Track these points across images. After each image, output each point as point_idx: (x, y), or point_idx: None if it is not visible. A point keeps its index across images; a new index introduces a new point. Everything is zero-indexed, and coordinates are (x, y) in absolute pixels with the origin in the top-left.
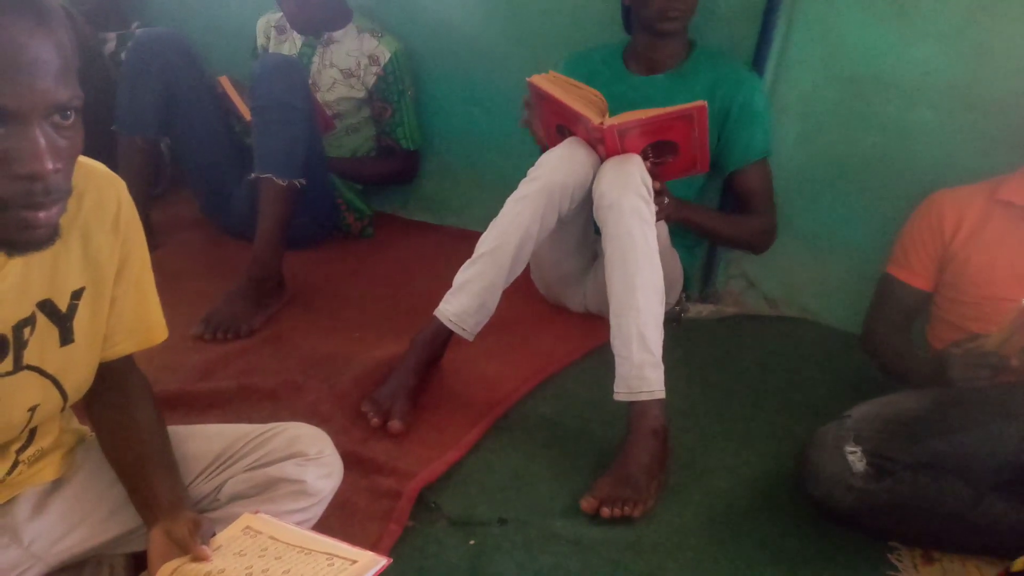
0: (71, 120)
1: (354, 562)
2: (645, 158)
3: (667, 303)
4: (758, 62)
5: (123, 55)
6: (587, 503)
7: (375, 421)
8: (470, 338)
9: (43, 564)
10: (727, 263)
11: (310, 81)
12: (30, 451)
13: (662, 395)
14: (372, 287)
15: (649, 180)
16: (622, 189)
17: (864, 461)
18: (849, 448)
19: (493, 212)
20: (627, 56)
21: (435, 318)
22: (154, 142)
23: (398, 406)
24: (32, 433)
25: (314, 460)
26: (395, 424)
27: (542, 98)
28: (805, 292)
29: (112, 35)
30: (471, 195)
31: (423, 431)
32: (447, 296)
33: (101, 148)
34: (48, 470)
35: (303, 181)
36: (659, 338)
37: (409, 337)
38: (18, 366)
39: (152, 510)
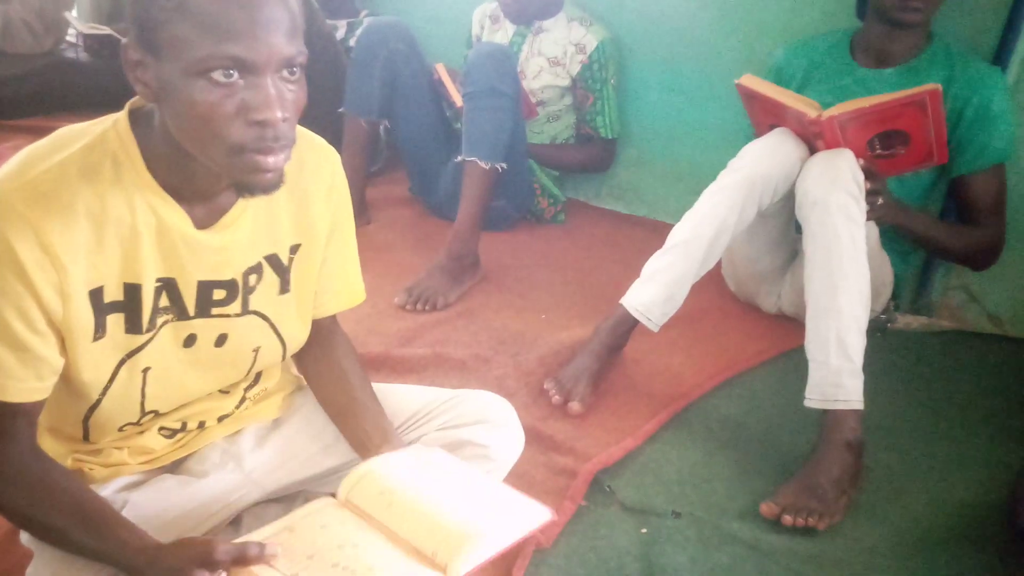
0: (297, 75)
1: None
2: (872, 150)
3: (872, 310)
4: (1001, 57)
5: (351, 42)
6: (768, 508)
7: (556, 399)
8: (655, 329)
9: (260, 490)
10: (946, 273)
11: (518, 69)
12: (255, 390)
13: (860, 406)
14: (561, 271)
15: (861, 177)
16: (830, 185)
17: None
18: None
19: (686, 206)
20: (855, 45)
21: (621, 306)
22: (375, 124)
23: (579, 388)
24: (257, 376)
25: (499, 428)
26: (575, 406)
27: (752, 98)
28: None
29: (343, 23)
30: (665, 187)
31: (602, 416)
32: (635, 285)
33: (330, 128)
34: (270, 409)
35: (504, 165)
36: (861, 345)
37: (594, 323)
38: (245, 310)
39: (365, 446)
